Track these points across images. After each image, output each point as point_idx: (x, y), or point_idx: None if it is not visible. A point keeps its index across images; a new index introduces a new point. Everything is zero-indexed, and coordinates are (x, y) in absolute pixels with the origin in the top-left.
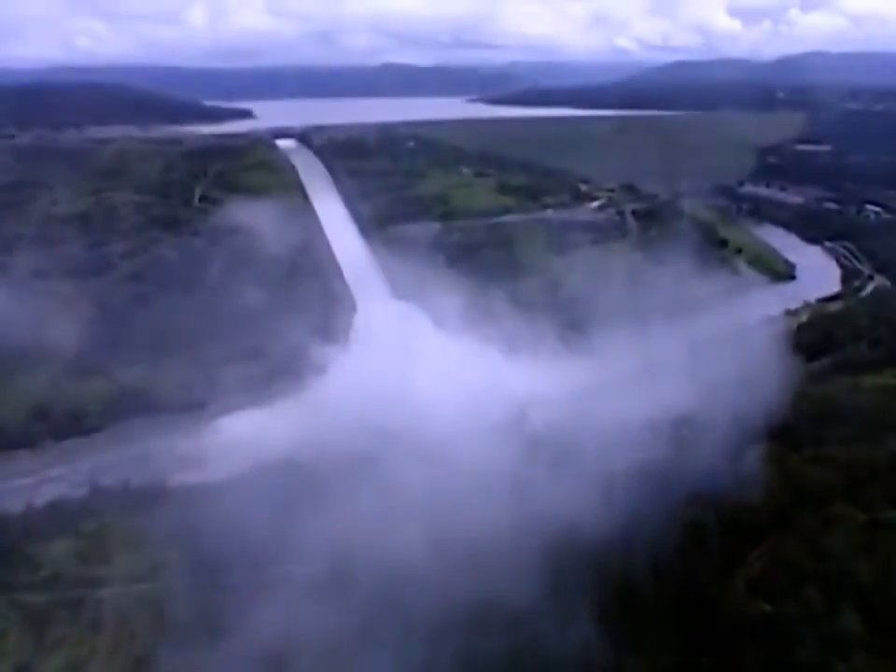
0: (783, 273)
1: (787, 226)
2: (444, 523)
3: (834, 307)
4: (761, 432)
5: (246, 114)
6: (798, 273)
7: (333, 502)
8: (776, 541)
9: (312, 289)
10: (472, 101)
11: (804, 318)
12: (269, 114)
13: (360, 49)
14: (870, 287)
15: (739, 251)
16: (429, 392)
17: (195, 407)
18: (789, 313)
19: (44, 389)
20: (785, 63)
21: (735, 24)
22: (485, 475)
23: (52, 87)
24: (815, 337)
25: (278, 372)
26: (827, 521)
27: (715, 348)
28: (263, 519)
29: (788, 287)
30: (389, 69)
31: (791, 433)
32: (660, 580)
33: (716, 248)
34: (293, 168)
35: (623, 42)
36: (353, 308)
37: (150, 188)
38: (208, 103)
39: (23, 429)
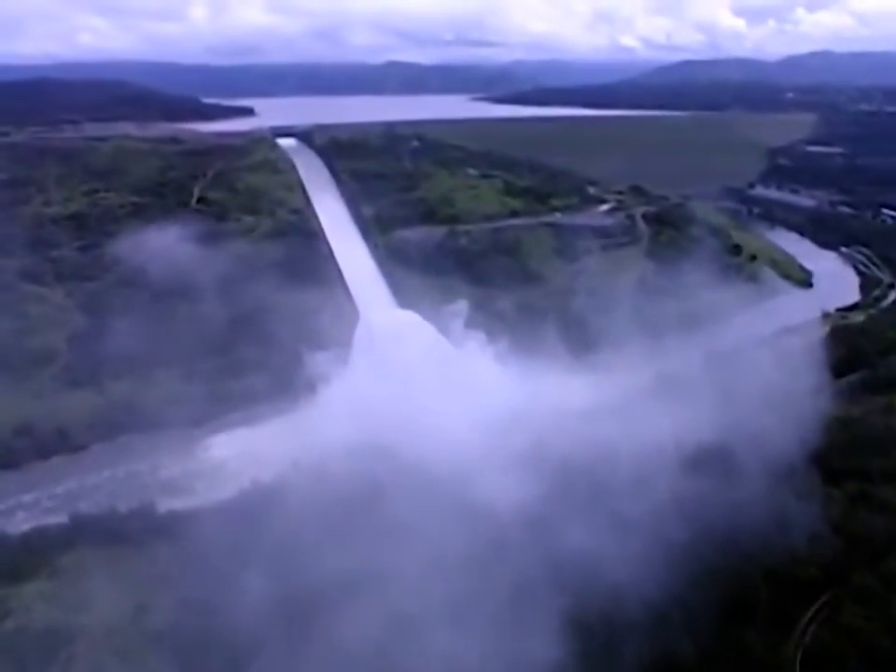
0: (799, 280)
1: (800, 230)
2: (455, 572)
3: (857, 318)
4: (795, 462)
5: (248, 112)
6: (815, 280)
7: (325, 541)
8: (830, 602)
9: (312, 297)
10: (476, 99)
11: (825, 330)
12: (270, 112)
13: (363, 47)
14: (892, 296)
15: (754, 257)
16: (435, 410)
17: (187, 423)
18: (808, 324)
19: (29, 402)
20: (791, 63)
21: (739, 23)
22: (499, 515)
23: (52, 83)
24: (839, 351)
25: (275, 386)
26: (887, 579)
27: (735, 363)
28: (252, 556)
29: (805, 296)
30: (393, 67)
31: (827, 463)
32: (700, 647)
33: (730, 254)
34: (294, 168)
35: (626, 41)
36: (355, 317)
37: (147, 188)
38: (209, 100)
39: (6, 447)
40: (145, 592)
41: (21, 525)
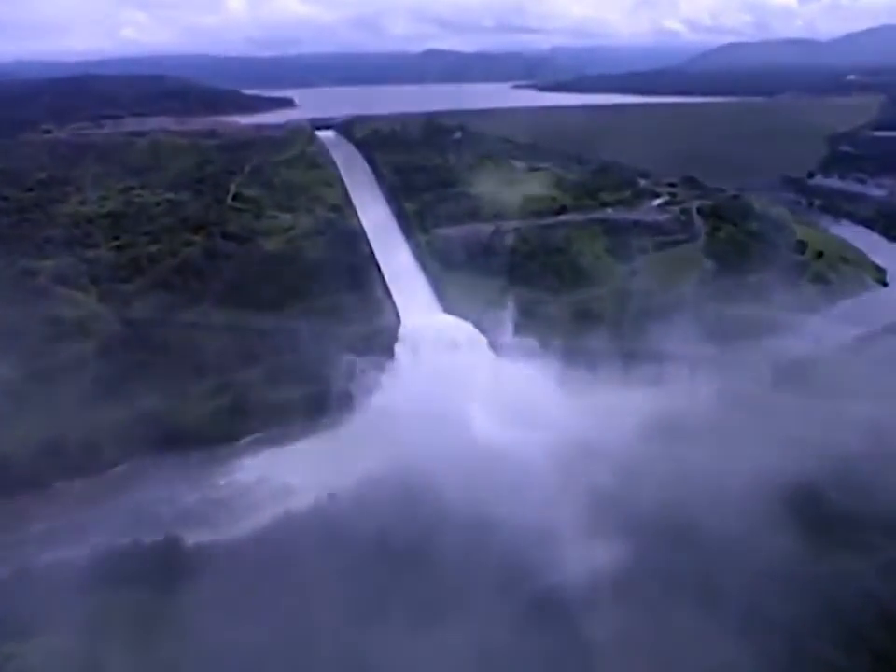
0: (874, 279)
1: (868, 223)
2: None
3: None
4: None
5: (288, 103)
6: (890, 279)
7: (356, 605)
8: None
9: (351, 300)
10: (518, 87)
11: None
12: (310, 102)
13: (402, 36)
14: None
15: (820, 254)
16: (486, 431)
17: (223, 440)
18: (891, 329)
19: (59, 415)
20: (849, 42)
21: (789, 1)
22: (565, 581)
23: (95, 79)
24: None
25: (311, 399)
26: None
27: (818, 376)
28: (279, 604)
29: (882, 297)
30: (432, 55)
31: None
32: None
33: (794, 252)
34: (333, 162)
35: (670, 24)
36: (397, 323)
37: (183, 184)
38: (249, 91)
39: (32, 466)
40: (164, 649)
41: (36, 559)
